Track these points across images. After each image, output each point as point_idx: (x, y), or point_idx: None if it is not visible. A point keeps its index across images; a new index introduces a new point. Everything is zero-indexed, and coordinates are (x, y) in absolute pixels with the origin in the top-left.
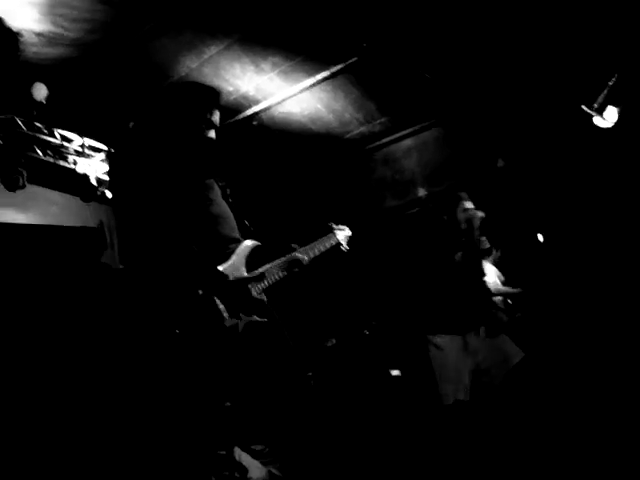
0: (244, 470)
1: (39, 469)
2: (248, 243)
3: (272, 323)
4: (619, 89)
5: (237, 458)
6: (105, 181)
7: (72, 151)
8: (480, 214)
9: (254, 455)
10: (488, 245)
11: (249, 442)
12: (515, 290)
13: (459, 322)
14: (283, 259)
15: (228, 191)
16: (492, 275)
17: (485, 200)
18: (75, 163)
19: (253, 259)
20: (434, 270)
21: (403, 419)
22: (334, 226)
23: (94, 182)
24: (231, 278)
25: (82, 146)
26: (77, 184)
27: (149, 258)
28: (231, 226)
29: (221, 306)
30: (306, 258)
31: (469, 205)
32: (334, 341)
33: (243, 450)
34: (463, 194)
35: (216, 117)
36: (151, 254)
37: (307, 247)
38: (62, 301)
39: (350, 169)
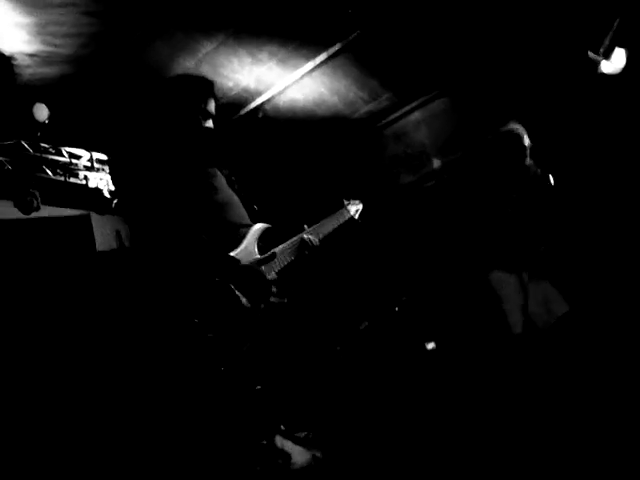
0: (287, 456)
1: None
2: (258, 226)
3: (292, 303)
4: (624, 31)
5: (279, 445)
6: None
7: (82, 167)
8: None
9: (297, 442)
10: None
11: (292, 430)
12: None
13: (510, 261)
14: (291, 241)
15: (233, 178)
16: None
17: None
18: (86, 179)
19: (265, 242)
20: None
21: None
22: (346, 201)
23: (107, 195)
24: (244, 260)
25: (91, 160)
26: (90, 199)
27: (161, 253)
28: (239, 212)
29: (238, 292)
30: (315, 239)
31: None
32: (366, 323)
33: (286, 438)
34: (520, 129)
35: (211, 106)
36: (162, 249)
37: (316, 226)
38: (77, 298)
39: (361, 149)
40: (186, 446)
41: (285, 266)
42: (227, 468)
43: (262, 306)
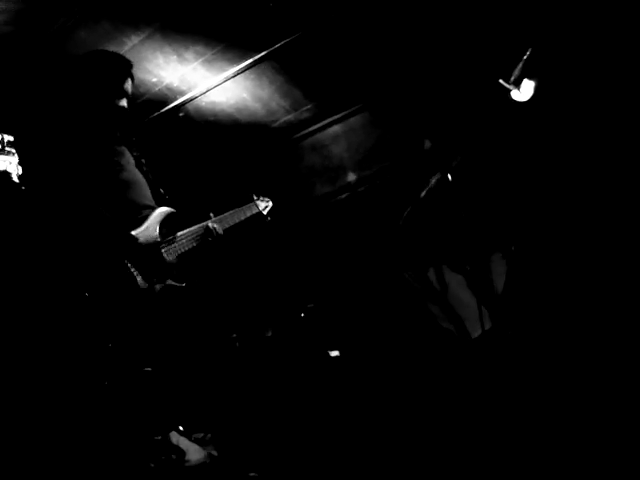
0: (182, 453)
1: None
2: (162, 209)
3: (189, 288)
4: (534, 63)
5: (174, 442)
6: None
7: None
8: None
9: (194, 441)
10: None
11: (189, 430)
12: None
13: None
14: (196, 227)
15: (143, 160)
16: None
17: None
18: None
19: (168, 227)
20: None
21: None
22: (255, 197)
23: (16, 179)
24: (143, 239)
25: (1, 142)
26: None
27: (60, 225)
28: (143, 193)
29: (133, 270)
30: (220, 228)
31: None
32: (271, 331)
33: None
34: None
35: (127, 85)
36: (62, 221)
37: (223, 216)
38: None
39: (279, 156)
40: (70, 434)
41: (186, 251)
42: (117, 464)
43: (158, 287)
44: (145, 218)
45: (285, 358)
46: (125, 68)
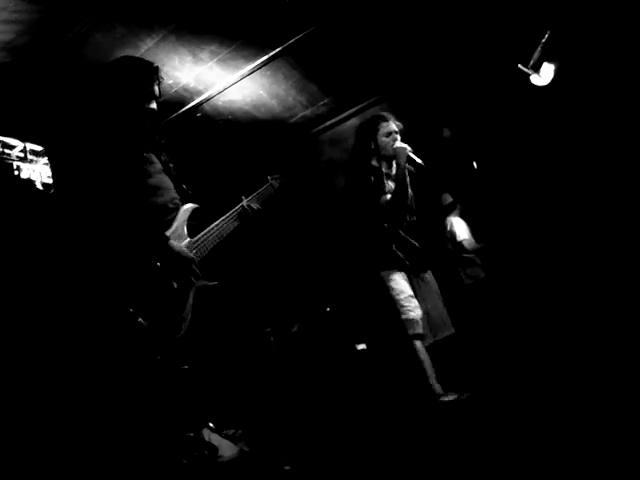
0: (214, 449)
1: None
2: (187, 207)
3: (223, 285)
4: (553, 46)
5: (207, 438)
6: (51, 184)
7: (14, 157)
8: (405, 146)
9: (226, 437)
10: (451, 199)
11: (221, 427)
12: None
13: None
14: (233, 211)
15: (171, 165)
16: (464, 231)
17: (436, 170)
18: (19, 169)
19: (194, 221)
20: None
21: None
22: (269, 177)
23: (40, 187)
24: (174, 244)
25: (24, 151)
26: (22, 191)
27: (92, 231)
28: (171, 196)
29: (169, 275)
30: (256, 204)
31: (394, 127)
32: (297, 326)
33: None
34: (387, 114)
35: (156, 88)
36: (95, 232)
37: (252, 196)
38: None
39: (298, 153)
40: (113, 437)
41: (225, 238)
42: (153, 460)
43: (193, 290)
44: (173, 219)
45: (313, 353)
46: (152, 71)
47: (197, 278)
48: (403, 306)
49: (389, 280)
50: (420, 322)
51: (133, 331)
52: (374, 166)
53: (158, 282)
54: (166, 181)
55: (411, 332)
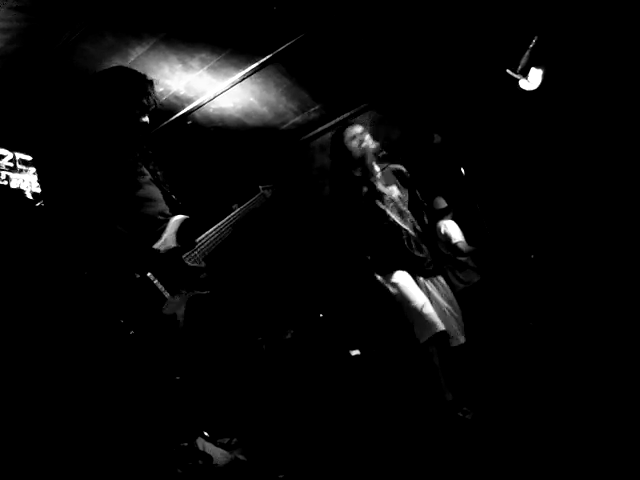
0: (208, 458)
1: None
2: (176, 218)
3: (215, 294)
4: (541, 51)
5: (201, 447)
6: (40, 194)
7: (3, 167)
8: (374, 144)
9: (220, 446)
10: (445, 204)
11: (215, 436)
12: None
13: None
14: (225, 219)
15: (159, 173)
16: (458, 234)
17: (426, 175)
18: (8, 179)
19: (185, 232)
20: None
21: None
22: (261, 187)
23: (30, 196)
24: (164, 256)
25: (13, 160)
26: (11, 201)
27: (81, 249)
28: (160, 207)
29: (160, 286)
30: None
31: (358, 130)
32: (291, 333)
33: (208, 442)
34: (352, 120)
35: (150, 101)
36: (82, 244)
37: (244, 206)
38: None
39: (289, 160)
40: (108, 447)
41: (213, 250)
42: (147, 470)
43: (185, 299)
44: (162, 230)
45: (306, 360)
46: (145, 84)
47: (189, 288)
48: (416, 308)
49: (397, 282)
50: (439, 321)
51: (125, 342)
52: (351, 174)
53: (149, 292)
54: (155, 192)
55: (431, 333)
